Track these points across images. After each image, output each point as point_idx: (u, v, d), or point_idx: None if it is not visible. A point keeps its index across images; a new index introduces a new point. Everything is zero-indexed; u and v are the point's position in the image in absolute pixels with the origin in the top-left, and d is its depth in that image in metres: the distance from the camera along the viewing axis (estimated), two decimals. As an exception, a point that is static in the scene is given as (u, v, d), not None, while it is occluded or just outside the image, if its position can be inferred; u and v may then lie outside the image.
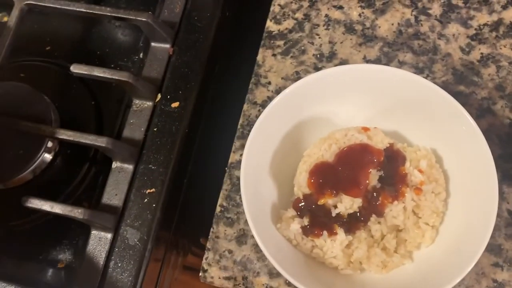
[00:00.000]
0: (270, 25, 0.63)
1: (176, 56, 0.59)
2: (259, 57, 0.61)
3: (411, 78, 0.49)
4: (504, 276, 0.51)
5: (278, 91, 0.59)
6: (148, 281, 0.55)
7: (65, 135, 0.55)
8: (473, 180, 0.47)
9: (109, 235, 0.54)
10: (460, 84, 0.58)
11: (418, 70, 0.58)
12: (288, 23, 0.62)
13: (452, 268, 0.45)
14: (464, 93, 0.57)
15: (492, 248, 0.51)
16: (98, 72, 0.56)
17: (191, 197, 0.62)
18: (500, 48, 0.58)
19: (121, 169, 0.56)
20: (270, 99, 0.59)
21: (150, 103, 0.58)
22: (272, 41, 0.62)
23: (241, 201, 0.55)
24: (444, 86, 0.58)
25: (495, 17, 0.60)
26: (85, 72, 0.56)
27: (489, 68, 0.58)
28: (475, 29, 0.60)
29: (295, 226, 0.48)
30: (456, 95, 0.56)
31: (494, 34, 0.59)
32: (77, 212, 0.51)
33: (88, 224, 0.54)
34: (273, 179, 0.51)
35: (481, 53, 0.58)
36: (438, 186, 0.48)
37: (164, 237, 0.57)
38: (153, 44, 0.61)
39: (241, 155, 0.57)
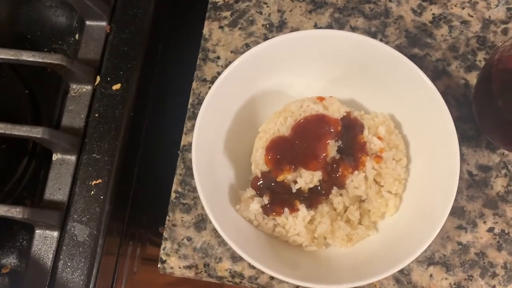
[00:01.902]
0: (214, -5, 0.59)
1: (114, 34, 0.55)
2: (205, 30, 0.57)
3: (366, 41, 0.47)
4: (468, 238, 0.50)
5: (228, 66, 0.56)
6: (103, 277, 0.51)
7: (-5, 128, 0.49)
8: (434, 144, 0.46)
9: (55, 233, 0.49)
10: (414, 46, 0.56)
11: (371, 35, 0.56)
12: (234, -7, 0.59)
13: (418, 235, 0.44)
14: (419, 56, 0.56)
15: (455, 211, 0.51)
16: (27, 56, 0.51)
17: (145, 185, 0.58)
18: (451, 8, 0.57)
19: (63, 161, 0.51)
20: (220, 75, 0.56)
21: (89, 87, 0.53)
22: (218, 13, 0.58)
23: (197, 184, 0.52)
24: (398, 49, 0.56)
25: (444, -24, 0.58)
26: (12, 57, 0.50)
27: (441, 28, 0.57)
28: (426, -11, 0.58)
29: (255, 205, 0.45)
30: (411, 58, 0.54)
31: (444, -7, 0.58)
32: (15, 212, 0.47)
33: (31, 223, 0.49)
34: (229, 158, 0.49)
35: (433, 14, 0.57)
36: (398, 152, 0.47)
37: (117, 228, 0.53)
38: (88, 22, 0.56)
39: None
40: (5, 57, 0.50)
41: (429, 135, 0.46)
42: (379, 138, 0.46)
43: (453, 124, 0.45)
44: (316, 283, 0.42)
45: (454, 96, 0.54)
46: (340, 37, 0.48)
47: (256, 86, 0.50)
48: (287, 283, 0.49)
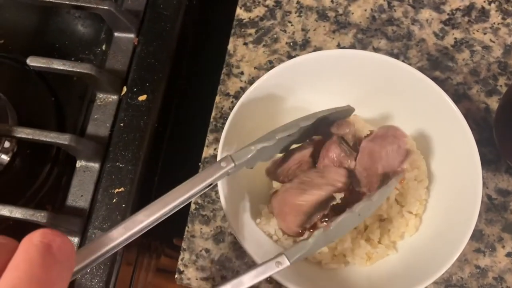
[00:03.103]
0: (240, 12, 0.60)
1: (141, 47, 0.56)
2: (230, 46, 0.59)
3: (389, 61, 0.47)
4: (486, 262, 0.50)
5: (251, 81, 0.57)
6: (121, 287, 0.51)
7: (24, 133, 0.50)
8: (456, 166, 0.46)
9: (76, 239, 0.50)
10: (436, 69, 0.57)
11: (393, 56, 0.57)
12: (259, 11, 0.60)
13: (437, 257, 0.44)
14: (440, 79, 0.56)
15: (474, 234, 0.51)
16: (58, 65, 0.52)
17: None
18: (473, 33, 0.58)
19: (86, 168, 0.52)
20: (243, 89, 0.57)
21: (115, 97, 0.54)
22: (243, 29, 0.59)
23: (217, 197, 0.53)
24: (420, 71, 0.57)
25: (466, 1, 0.59)
26: (43, 65, 0.52)
27: (463, 53, 0.57)
28: (448, 14, 0.59)
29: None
30: (433, 81, 0.56)
31: (466, 18, 0.59)
32: (39, 216, 0.47)
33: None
34: (250, 172, 0.49)
35: (455, 38, 0.58)
36: (420, 173, 0.47)
37: (135, 239, 0.54)
38: (116, 34, 0.57)
39: (215, 149, 0.55)
40: (37, 64, 0.52)
41: (451, 158, 0.47)
42: (402, 158, 0.46)
43: (476, 148, 0.45)
44: (335, 300, 0.42)
45: (474, 120, 0.55)
46: (363, 57, 0.49)
47: (279, 103, 0.51)
48: (304, 299, 0.49)
